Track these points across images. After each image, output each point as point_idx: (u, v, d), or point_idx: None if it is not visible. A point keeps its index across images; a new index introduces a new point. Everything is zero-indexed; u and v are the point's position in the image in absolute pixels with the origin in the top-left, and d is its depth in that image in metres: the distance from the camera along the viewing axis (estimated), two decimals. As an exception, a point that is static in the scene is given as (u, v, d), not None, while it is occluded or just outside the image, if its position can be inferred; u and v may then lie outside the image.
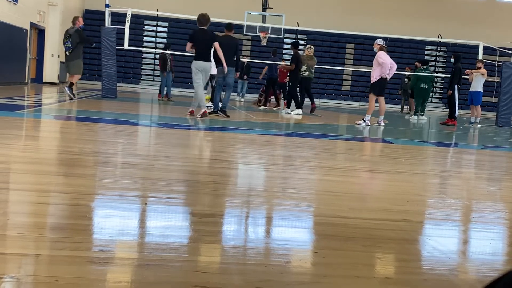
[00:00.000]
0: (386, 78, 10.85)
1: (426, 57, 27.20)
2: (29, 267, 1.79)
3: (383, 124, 10.91)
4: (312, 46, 14.52)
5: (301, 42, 26.10)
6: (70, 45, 11.66)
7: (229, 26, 10.62)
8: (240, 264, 1.97)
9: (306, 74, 13.68)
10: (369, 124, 10.75)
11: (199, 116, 9.30)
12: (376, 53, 10.87)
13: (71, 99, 11.54)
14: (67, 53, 11.78)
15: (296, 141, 7.15)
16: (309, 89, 14.11)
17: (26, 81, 18.21)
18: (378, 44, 10.87)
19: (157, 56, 15.80)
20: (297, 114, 12.90)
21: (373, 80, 10.90)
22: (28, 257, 1.87)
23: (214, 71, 11.91)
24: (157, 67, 19.07)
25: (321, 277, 1.90)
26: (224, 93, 10.74)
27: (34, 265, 1.81)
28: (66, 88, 11.75)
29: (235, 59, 10.36)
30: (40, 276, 1.70)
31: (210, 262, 2.02)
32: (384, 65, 10.57)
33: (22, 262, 1.82)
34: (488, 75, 13.94)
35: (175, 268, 1.87)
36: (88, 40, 12.30)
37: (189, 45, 9.57)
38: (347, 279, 1.90)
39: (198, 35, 9.52)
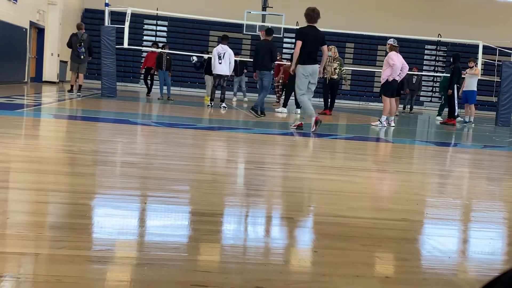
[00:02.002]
0: (396, 79, 10.69)
1: (426, 57, 27.23)
2: (28, 266, 1.79)
3: (393, 125, 10.80)
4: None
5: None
6: (84, 49, 13.27)
7: (269, 32, 11.08)
8: (239, 263, 1.97)
9: (335, 77, 13.88)
10: (386, 125, 10.53)
11: (294, 127, 8.13)
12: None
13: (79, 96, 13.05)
14: (82, 56, 13.33)
15: (295, 140, 7.15)
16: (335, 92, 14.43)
17: (26, 80, 18.20)
18: (388, 44, 10.72)
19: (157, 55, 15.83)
20: (282, 112, 12.89)
21: (382, 81, 10.76)
22: (27, 256, 1.87)
23: (226, 71, 12.23)
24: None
25: (320, 276, 1.90)
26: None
27: (34, 264, 1.81)
28: (79, 93, 13.31)
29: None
30: (39, 275, 1.70)
31: (209, 261, 2.02)
32: (394, 67, 10.40)
33: (21, 261, 1.82)
34: (487, 75, 13.94)
35: (175, 267, 1.87)
36: (91, 53, 13.72)
37: (299, 44, 7.83)
38: (346, 278, 1.90)
39: (308, 32, 7.94)
